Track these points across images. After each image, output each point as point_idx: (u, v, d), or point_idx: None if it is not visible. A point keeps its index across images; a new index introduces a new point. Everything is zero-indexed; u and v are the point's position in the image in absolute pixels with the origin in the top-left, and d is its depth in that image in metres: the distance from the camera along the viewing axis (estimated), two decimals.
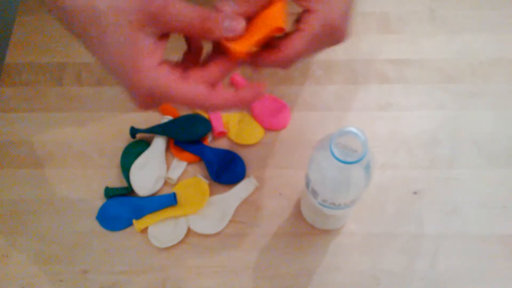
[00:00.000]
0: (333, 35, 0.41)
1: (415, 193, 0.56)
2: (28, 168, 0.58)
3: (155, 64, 0.35)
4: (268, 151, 0.58)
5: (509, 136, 0.58)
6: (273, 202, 0.56)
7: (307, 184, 0.46)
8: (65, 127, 0.61)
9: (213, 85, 0.37)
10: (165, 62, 0.36)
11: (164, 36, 0.36)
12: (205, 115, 0.59)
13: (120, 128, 0.59)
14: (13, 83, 0.64)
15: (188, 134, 0.58)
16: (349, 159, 0.38)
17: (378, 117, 0.60)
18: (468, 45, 0.64)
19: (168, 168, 0.57)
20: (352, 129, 0.38)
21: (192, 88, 0.36)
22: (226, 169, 0.56)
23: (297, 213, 0.55)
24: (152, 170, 0.56)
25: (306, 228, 0.54)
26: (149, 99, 0.36)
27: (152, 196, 0.56)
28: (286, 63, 0.40)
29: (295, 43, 0.39)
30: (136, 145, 0.58)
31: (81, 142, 0.60)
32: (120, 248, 0.54)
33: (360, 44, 0.64)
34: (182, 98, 0.35)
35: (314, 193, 0.45)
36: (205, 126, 0.58)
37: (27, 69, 0.64)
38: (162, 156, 0.57)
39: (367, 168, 0.41)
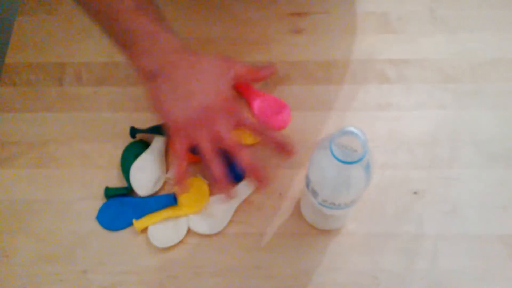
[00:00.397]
0: None
1: (415, 193, 0.56)
2: (28, 168, 0.58)
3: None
4: (268, 151, 0.58)
5: (509, 136, 0.58)
6: (273, 202, 0.56)
7: (307, 184, 0.46)
8: (65, 127, 0.61)
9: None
10: None
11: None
12: None
13: (120, 128, 0.59)
14: (13, 83, 0.64)
15: None
16: (349, 159, 0.38)
17: (378, 117, 0.60)
18: (468, 45, 0.64)
19: (168, 168, 0.57)
20: (352, 129, 0.38)
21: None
22: (226, 169, 0.56)
23: (297, 213, 0.55)
24: (152, 170, 0.56)
25: (306, 228, 0.54)
26: (224, 103, 0.50)
27: (152, 196, 0.56)
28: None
29: None
30: (136, 145, 0.58)
31: (81, 142, 0.60)
32: (120, 248, 0.54)
33: (360, 44, 0.64)
34: (240, 114, 0.52)
35: (314, 193, 0.45)
36: None
37: (27, 69, 0.64)
38: (162, 156, 0.57)
39: (367, 168, 0.41)
